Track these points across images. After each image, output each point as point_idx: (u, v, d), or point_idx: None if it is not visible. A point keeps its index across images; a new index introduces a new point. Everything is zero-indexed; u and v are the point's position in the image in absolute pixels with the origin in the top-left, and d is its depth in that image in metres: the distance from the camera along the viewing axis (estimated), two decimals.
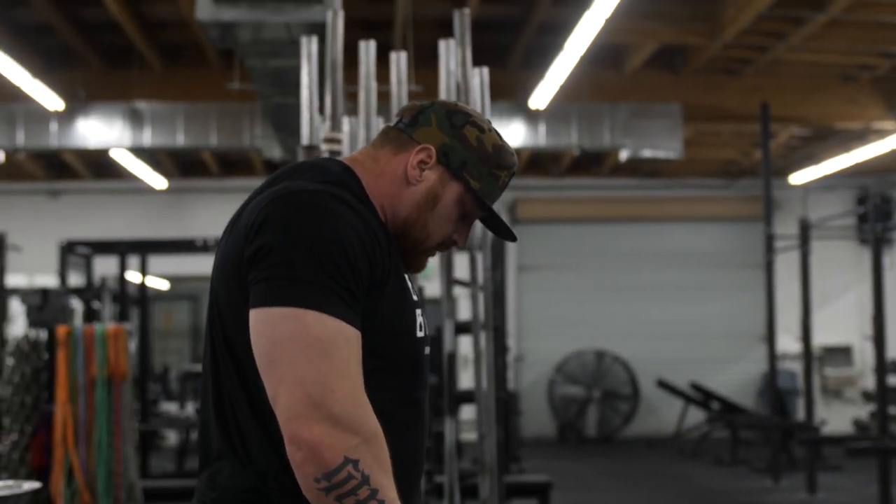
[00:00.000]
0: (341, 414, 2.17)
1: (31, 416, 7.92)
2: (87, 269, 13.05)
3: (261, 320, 2.22)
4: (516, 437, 15.22)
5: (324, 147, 5.66)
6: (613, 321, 19.12)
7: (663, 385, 17.80)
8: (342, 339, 2.21)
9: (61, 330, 7.85)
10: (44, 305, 8.03)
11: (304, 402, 2.16)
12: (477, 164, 2.49)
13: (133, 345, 9.72)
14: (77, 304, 14.17)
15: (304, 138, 5.61)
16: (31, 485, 4.45)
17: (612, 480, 14.35)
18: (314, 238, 2.23)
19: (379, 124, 6.06)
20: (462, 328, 7.15)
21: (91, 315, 12.72)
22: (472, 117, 2.51)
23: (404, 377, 2.42)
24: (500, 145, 2.52)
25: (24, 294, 8.25)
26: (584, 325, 19.05)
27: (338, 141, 5.62)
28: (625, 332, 19.05)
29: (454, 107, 2.53)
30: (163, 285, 18.73)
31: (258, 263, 2.25)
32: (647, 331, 19.10)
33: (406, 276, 2.47)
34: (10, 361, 7.98)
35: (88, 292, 12.87)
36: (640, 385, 18.87)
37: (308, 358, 2.17)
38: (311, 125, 5.58)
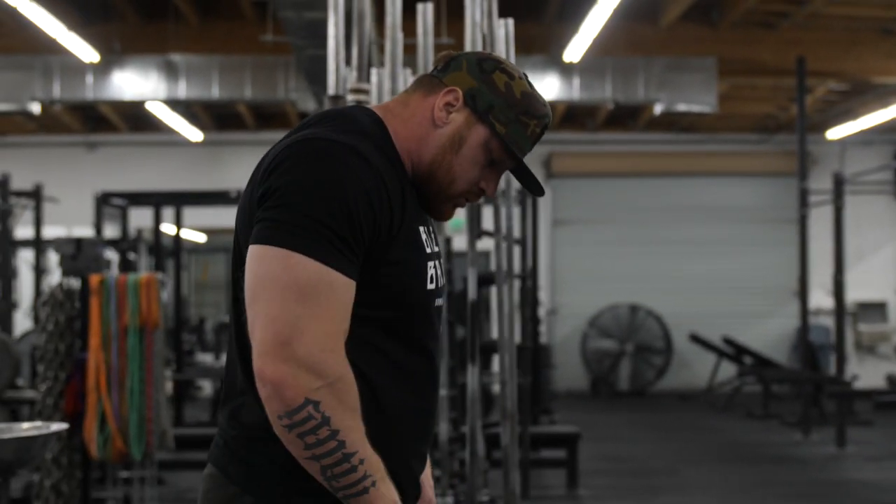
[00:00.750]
0: (306, 356, 2.23)
1: (64, 363, 8.03)
2: (123, 221, 13.17)
3: (251, 257, 2.29)
4: (548, 389, 15.29)
5: (350, 97, 5.72)
6: (647, 275, 19.12)
7: (696, 339, 17.81)
8: (324, 283, 2.26)
9: (94, 279, 7.95)
10: (77, 254, 8.13)
11: (273, 341, 2.23)
12: (504, 109, 2.49)
13: (166, 294, 9.82)
14: (113, 255, 14.33)
15: (331, 88, 5.66)
16: (58, 426, 4.56)
17: (643, 433, 14.42)
18: (316, 184, 2.28)
19: (406, 75, 6.10)
20: (487, 279, 7.23)
21: (126, 266, 12.84)
22: (503, 64, 2.52)
23: (415, 327, 2.46)
24: (529, 93, 2.52)
25: (58, 243, 8.35)
26: (618, 280, 19.07)
27: (364, 91, 5.67)
28: (658, 287, 19.06)
29: (487, 55, 2.55)
30: (200, 238, 18.88)
31: (262, 204, 2.31)
32: (680, 285, 19.10)
33: (422, 228, 2.49)
34: (44, 310, 8.10)
35: (124, 243, 13.00)
36: (673, 339, 18.89)
37: (284, 298, 2.24)
38: (337, 75, 5.63)
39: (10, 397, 9.85)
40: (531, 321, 12.33)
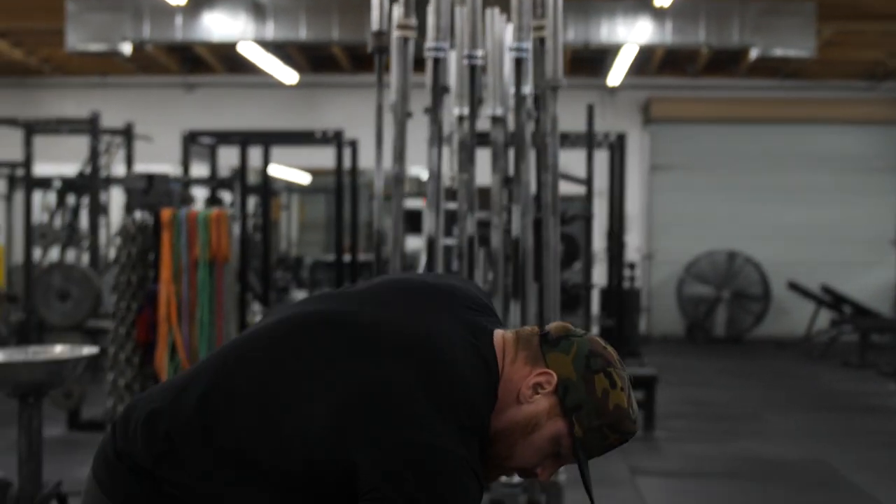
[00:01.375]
0: None
1: (136, 294, 8.17)
2: (212, 159, 13.34)
3: None
4: (636, 333, 15.21)
5: (396, 34, 5.71)
6: (746, 222, 18.85)
7: (794, 287, 17.56)
8: None
9: (165, 213, 8.06)
10: (148, 189, 8.24)
11: None
12: (591, 415, 2.36)
13: (236, 230, 9.94)
14: (202, 193, 14.53)
15: (374, 23, 5.67)
16: (88, 350, 4.65)
17: (732, 379, 14.28)
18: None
19: (456, 13, 6.05)
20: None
21: (215, 204, 13.03)
22: (611, 368, 2.39)
23: None
24: (623, 408, 2.38)
25: (129, 178, 8.48)
26: (716, 226, 18.83)
27: (410, 27, 5.66)
28: (757, 234, 18.78)
29: (600, 349, 2.41)
30: (304, 179, 19.03)
31: (382, 497, 2.23)
32: (780, 233, 18.80)
33: None
34: (117, 243, 8.25)
35: (213, 181, 13.17)
36: (771, 286, 18.62)
37: None
38: (380, 11, 5.63)
39: (91, 326, 10.07)
40: (616, 265, 12.26)
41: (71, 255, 13.42)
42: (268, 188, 13.64)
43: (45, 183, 14.34)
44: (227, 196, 13.98)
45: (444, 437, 2.24)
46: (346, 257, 12.84)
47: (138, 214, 8.28)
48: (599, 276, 15.47)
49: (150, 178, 8.33)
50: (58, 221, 13.59)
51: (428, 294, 2.51)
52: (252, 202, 15.27)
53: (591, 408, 2.36)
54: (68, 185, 13.43)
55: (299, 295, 16.61)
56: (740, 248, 18.74)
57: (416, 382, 2.29)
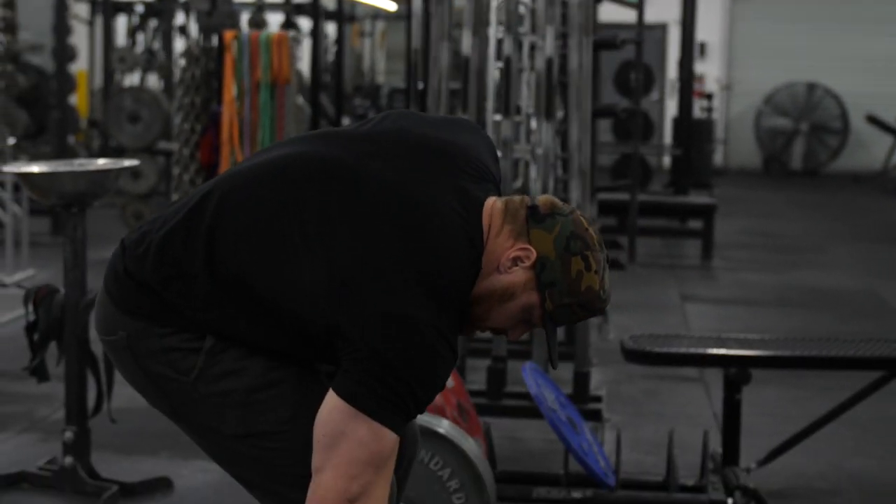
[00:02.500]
0: None
1: (200, 116, 8.38)
2: None
3: (341, 408, 2.43)
4: (709, 163, 15.19)
5: None
6: (828, 54, 18.57)
7: (874, 121, 17.37)
8: (394, 452, 2.47)
9: (228, 35, 8.21)
10: (212, 11, 8.39)
11: (342, 495, 2.43)
12: (563, 293, 2.51)
13: (298, 53, 10.02)
14: (278, 17, 14.59)
15: None
16: (129, 162, 4.86)
17: (805, 211, 14.32)
18: (418, 376, 2.42)
19: None
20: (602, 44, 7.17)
21: (289, 26, 13.14)
22: (589, 251, 2.51)
23: None
24: (594, 290, 2.52)
25: (194, 1, 8.61)
26: (797, 57, 18.56)
27: None
28: (838, 66, 18.51)
29: (582, 232, 2.52)
30: (390, 6, 18.96)
31: (361, 363, 2.42)
32: (862, 65, 18.50)
33: None
34: (181, 65, 8.43)
35: (287, 6, 13.26)
36: (850, 119, 18.43)
37: (365, 464, 2.42)
38: None
39: (160, 148, 10.33)
40: (685, 94, 12.23)
41: (152, 80, 13.63)
42: (342, 13, 13.72)
43: (126, 7, 14.52)
44: (304, 22, 14.07)
45: (424, 310, 2.44)
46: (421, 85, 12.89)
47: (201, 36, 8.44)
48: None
49: (214, 0, 8.46)
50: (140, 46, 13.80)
51: (428, 154, 2.64)
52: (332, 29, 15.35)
53: (564, 286, 2.52)
54: (150, 10, 13.58)
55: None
56: (821, 80, 18.52)
57: (403, 254, 2.47)
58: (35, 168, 4.70)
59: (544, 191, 5.61)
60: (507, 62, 5.54)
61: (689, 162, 12.15)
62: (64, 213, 4.61)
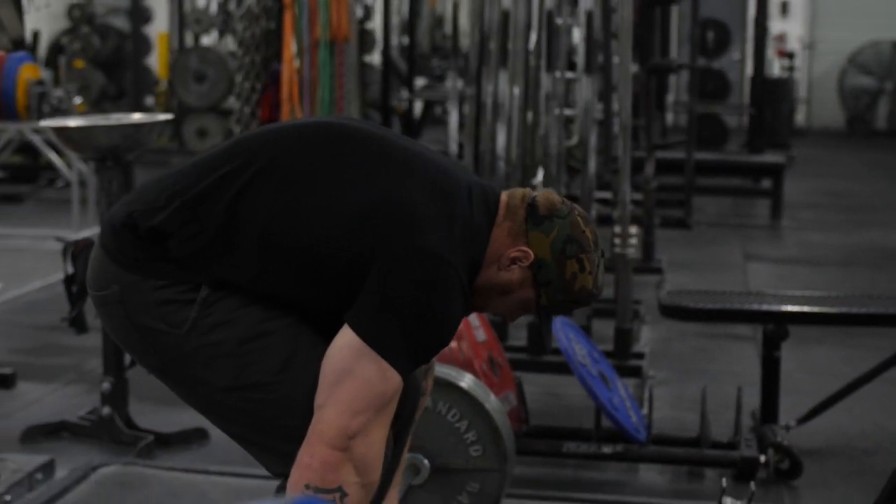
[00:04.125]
0: (360, 456, 2.50)
1: (260, 75, 8.40)
2: None
3: (353, 345, 2.49)
4: (788, 123, 14.99)
5: None
6: None
7: None
8: (396, 395, 2.53)
9: None
10: None
11: (341, 430, 2.47)
12: (557, 291, 2.68)
13: (358, 10, 10.04)
14: None
15: None
16: (164, 116, 4.90)
17: (884, 172, 14.12)
18: (433, 318, 2.51)
19: None
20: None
21: None
22: (584, 254, 2.66)
23: None
24: (587, 289, 2.68)
25: None
26: (882, 14, 18.13)
27: None
28: None
29: (578, 233, 2.66)
30: None
31: (381, 297, 2.50)
32: None
33: None
34: (241, 23, 8.45)
35: None
36: None
37: (367, 402, 2.48)
38: None
39: (226, 107, 10.40)
40: (759, 52, 12.04)
41: (229, 42, 13.72)
42: None
43: None
44: None
45: (450, 255, 2.54)
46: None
47: None
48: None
49: None
50: (213, 7, 13.90)
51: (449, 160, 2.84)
52: None
53: (559, 286, 2.67)
54: None
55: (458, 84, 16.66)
56: None
57: (434, 207, 2.58)
58: (71, 123, 4.76)
59: (585, 148, 5.58)
60: (549, 16, 5.51)
61: (762, 121, 11.96)
62: (98, 166, 4.67)
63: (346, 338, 2.50)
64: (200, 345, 2.60)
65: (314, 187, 2.58)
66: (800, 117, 18.01)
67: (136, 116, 4.89)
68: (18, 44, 5.00)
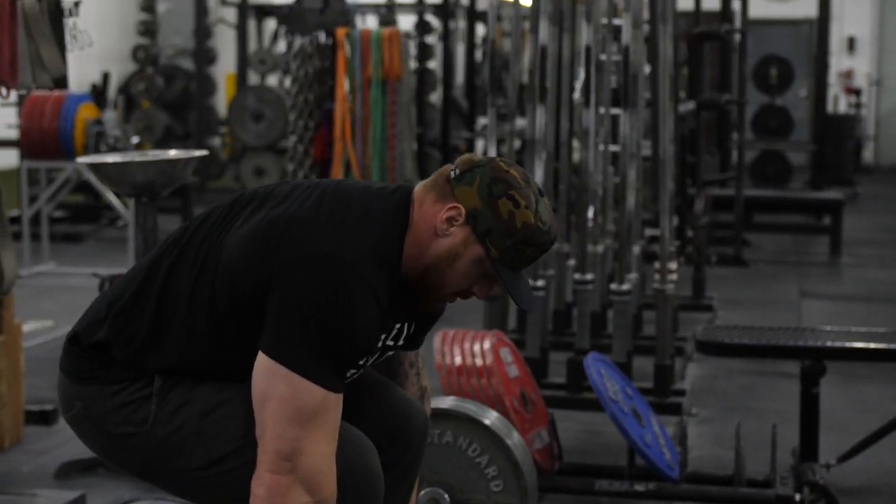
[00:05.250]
0: (304, 474, 2.49)
1: (313, 113, 8.47)
2: None
3: (264, 368, 2.50)
4: (851, 161, 14.84)
5: None
6: None
7: None
8: (324, 407, 2.49)
9: (340, 32, 8.28)
10: (325, 9, 8.48)
11: (276, 455, 2.48)
12: (501, 236, 2.57)
13: (411, 49, 10.06)
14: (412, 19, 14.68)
15: None
16: (199, 152, 4.94)
17: None
18: (331, 315, 2.47)
19: None
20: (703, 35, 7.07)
21: (424, 27, 13.24)
22: (514, 189, 2.58)
23: None
24: (531, 224, 2.58)
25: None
26: None
27: None
28: None
29: (502, 174, 2.59)
30: (524, 2, 18.94)
31: (280, 311, 2.50)
32: None
33: (396, 326, 2.68)
34: (294, 62, 8.52)
35: (420, 6, 13.37)
36: None
37: (289, 419, 2.48)
38: None
39: (281, 146, 10.48)
40: (819, 89, 11.95)
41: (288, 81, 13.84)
42: (473, 12, 13.77)
43: (269, 11, 14.79)
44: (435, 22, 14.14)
45: (345, 252, 2.51)
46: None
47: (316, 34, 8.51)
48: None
49: None
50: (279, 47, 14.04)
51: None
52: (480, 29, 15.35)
53: (501, 230, 2.57)
54: (293, 13, 13.77)
55: (518, 123, 16.65)
56: None
57: (321, 214, 2.57)
58: (108, 159, 4.81)
59: (623, 184, 5.55)
60: (588, 51, 5.50)
61: (824, 158, 11.86)
62: (135, 203, 4.70)
63: (258, 363, 2.52)
64: (167, 434, 2.65)
65: (212, 251, 2.62)
66: (867, 154, 17.82)
67: (172, 153, 4.93)
68: (60, 82, 5.05)
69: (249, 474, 2.57)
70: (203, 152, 4.96)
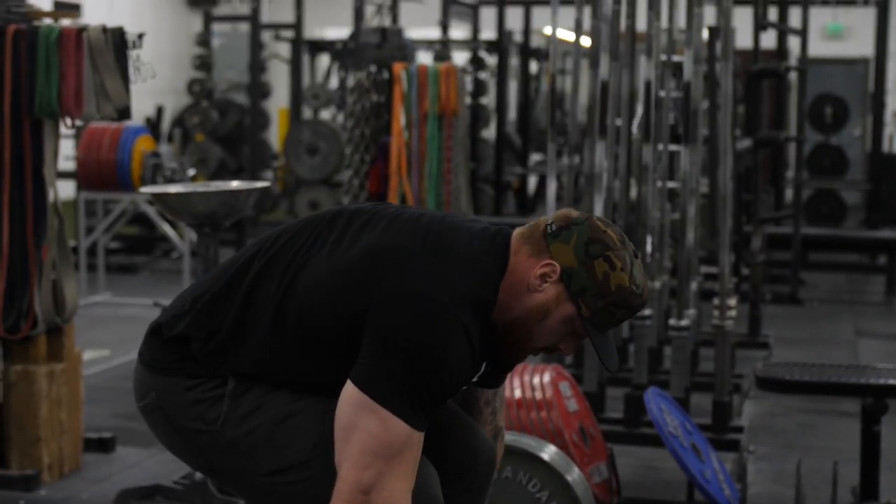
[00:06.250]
0: None
1: (369, 147, 8.51)
2: (474, 20, 13.57)
3: (353, 398, 2.51)
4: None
5: None
6: None
7: None
8: (409, 444, 2.51)
9: (397, 67, 8.33)
10: (382, 44, 8.53)
11: (356, 487, 2.49)
12: (595, 296, 2.57)
13: (468, 85, 10.09)
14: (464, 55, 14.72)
15: None
16: (261, 184, 4.98)
17: None
18: (425, 355, 2.49)
19: None
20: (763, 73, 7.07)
21: (477, 63, 13.28)
22: (610, 251, 2.58)
23: None
24: (625, 287, 2.58)
25: (365, 33, 8.77)
26: None
27: None
28: None
29: (599, 234, 2.60)
30: (583, 41, 18.94)
31: (375, 345, 2.52)
32: None
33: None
34: (351, 96, 8.57)
35: (475, 42, 13.42)
36: None
37: (374, 454, 2.49)
38: None
39: (336, 180, 10.52)
40: (876, 127, 11.87)
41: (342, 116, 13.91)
42: (527, 49, 13.83)
43: (323, 46, 14.88)
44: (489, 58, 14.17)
45: (444, 296, 2.52)
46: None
47: (373, 69, 8.56)
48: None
49: (384, 32, 8.60)
50: (333, 82, 14.12)
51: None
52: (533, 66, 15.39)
53: (595, 290, 2.58)
54: (346, 47, 13.86)
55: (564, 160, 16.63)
56: None
57: (426, 250, 2.59)
58: (171, 189, 4.86)
59: (683, 220, 5.54)
60: (648, 87, 5.51)
61: (879, 197, 11.79)
62: (197, 233, 4.75)
63: (347, 392, 2.52)
64: (237, 436, 2.67)
65: (308, 266, 2.63)
66: None
67: (234, 184, 4.98)
68: (123, 113, 5.11)
69: (311, 489, 2.60)
70: (265, 183, 5.01)
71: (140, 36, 5.25)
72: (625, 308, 2.60)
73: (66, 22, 5.26)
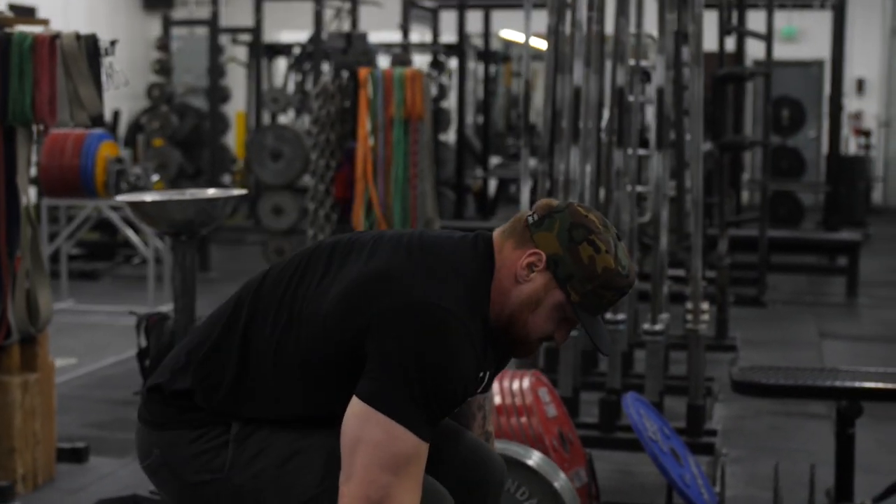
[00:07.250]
0: None
1: (335, 153, 8.49)
2: (433, 24, 13.57)
3: (359, 412, 2.50)
4: (863, 202, 14.88)
5: None
6: None
7: None
8: (416, 455, 2.50)
9: (363, 72, 8.31)
10: (347, 49, 8.53)
11: (365, 501, 2.47)
12: (582, 281, 2.59)
13: (433, 90, 10.10)
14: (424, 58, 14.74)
15: None
16: (237, 192, 4.96)
17: None
18: (429, 363, 2.49)
19: None
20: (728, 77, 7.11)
21: (437, 67, 13.29)
22: (593, 234, 2.60)
23: None
24: (611, 269, 2.59)
25: (330, 37, 8.76)
26: None
27: None
28: None
29: (581, 219, 2.61)
30: (540, 45, 18.99)
31: (378, 359, 2.51)
32: None
33: (485, 374, 2.67)
34: (316, 101, 8.55)
35: (435, 46, 13.43)
36: None
37: (381, 466, 2.47)
38: None
39: (300, 185, 10.49)
40: (834, 130, 11.98)
41: (305, 120, 13.87)
42: (488, 53, 13.86)
43: (284, 50, 14.84)
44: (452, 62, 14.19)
45: (441, 300, 2.53)
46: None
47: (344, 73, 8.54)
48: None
49: (349, 38, 8.59)
50: (291, 86, 14.08)
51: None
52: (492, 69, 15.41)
53: (581, 275, 2.59)
54: (304, 51, 13.83)
55: (531, 162, 16.70)
56: None
57: (415, 265, 2.60)
58: (147, 197, 4.83)
59: (657, 224, 5.57)
60: (620, 93, 5.53)
61: (837, 199, 11.90)
62: (173, 241, 4.73)
63: (352, 407, 2.51)
64: (243, 480, 2.66)
65: (300, 303, 2.63)
66: (876, 195, 17.86)
67: (211, 192, 4.96)
68: (97, 120, 5.08)
69: None
70: (242, 191, 4.99)
71: (113, 43, 5.23)
72: (613, 289, 2.61)
73: (38, 29, 5.22)
